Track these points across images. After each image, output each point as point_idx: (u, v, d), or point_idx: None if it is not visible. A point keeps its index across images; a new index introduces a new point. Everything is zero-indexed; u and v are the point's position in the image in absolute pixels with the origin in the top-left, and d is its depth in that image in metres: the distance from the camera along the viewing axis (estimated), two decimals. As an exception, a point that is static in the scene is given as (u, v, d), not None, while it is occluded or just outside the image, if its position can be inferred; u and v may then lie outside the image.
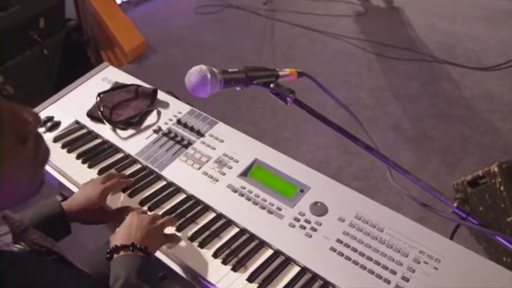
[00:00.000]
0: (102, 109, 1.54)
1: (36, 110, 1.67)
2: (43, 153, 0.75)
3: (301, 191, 1.25)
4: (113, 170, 1.37)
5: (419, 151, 2.84)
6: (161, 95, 1.60)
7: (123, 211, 1.22)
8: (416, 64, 3.62)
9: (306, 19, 4.22)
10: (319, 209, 1.21)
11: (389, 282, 1.04)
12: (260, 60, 3.62)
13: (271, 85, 1.04)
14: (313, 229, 1.16)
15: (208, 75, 0.99)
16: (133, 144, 1.45)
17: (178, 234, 1.19)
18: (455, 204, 0.95)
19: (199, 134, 1.43)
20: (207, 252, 1.15)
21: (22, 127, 0.69)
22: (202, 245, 1.16)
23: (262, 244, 1.16)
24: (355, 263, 1.09)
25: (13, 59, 3.87)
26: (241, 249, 1.15)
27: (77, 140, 1.50)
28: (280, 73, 1.08)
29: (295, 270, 1.11)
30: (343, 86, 3.35)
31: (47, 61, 4.19)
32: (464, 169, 2.65)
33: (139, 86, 1.61)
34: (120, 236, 1.07)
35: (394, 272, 1.06)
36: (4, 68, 3.76)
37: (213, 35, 4.00)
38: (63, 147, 1.48)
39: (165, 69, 3.55)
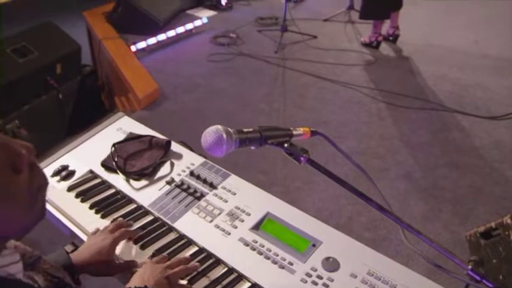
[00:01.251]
0: (116, 159, 1.56)
1: (52, 158, 1.72)
2: (39, 181, 0.77)
3: (313, 245, 1.25)
4: (120, 219, 1.38)
5: (430, 201, 2.82)
6: (174, 146, 1.62)
7: (133, 264, 1.22)
8: (426, 113, 3.64)
9: (317, 68, 4.29)
10: (332, 264, 1.20)
11: None
12: (271, 109, 3.67)
13: (285, 145, 1.06)
14: (325, 285, 1.15)
15: (224, 136, 1.01)
16: (146, 195, 1.46)
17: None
18: (469, 267, 0.94)
19: (212, 186, 1.45)
20: (218, 307, 1.14)
21: (15, 159, 0.72)
22: (213, 299, 1.16)
23: (273, 300, 1.15)
24: (368, 322, 1.07)
25: (29, 103, 3.97)
26: (252, 304, 1.14)
27: (90, 190, 1.52)
28: (294, 132, 1.10)
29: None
30: (354, 135, 3.37)
31: (62, 106, 4.29)
32: (477, 219, 2.63)
33: (153, 137, 1.63)
34: (134, 281, 1.09)
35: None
36: (20, 112, 3.85)
37: (225, 83, 4.08)
38: (77, 196, 1.49)
39: (178, 115, 3.61)
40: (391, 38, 4.84)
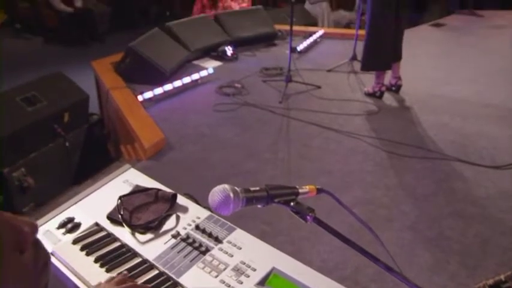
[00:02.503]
0: (122, 212, 1.57)
1: (58, 210, 1.73)
2: (43, 259, 0.76)
3: (319, 302, 1.24)
4: (125, 272, 1.37)
5: (437, 252, 2.79)
6: (180, 199, 1.63)
7: None
8: (430, 162, 3.65)
9: (321, 117, 4.34)
10: (337, 321, 1.19)
11: None
12: (276, 158, 3.69)
13: (292, 203, 1.08)
14: None
15: (231, 195, 1.03)
16: (151, 248, 1.46)
17: None
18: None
19: (217, 240, 1.45)
20: None
21: (19, 238, 0.71)
22: None
23: None
24: None
25: (36, 151, 4.01)
26: None
27: (96, 243, 1.52)
28: (300, 191, 1.12)
29: None
30: (358, 185, 3.37)
31: (68, 154, 4.33)
32: (485, 271, 2.59)
33: (159, 190, 1.65)
34: None
35: None
36: (26, 160, 3.89)
37: (231, 132, 4.12)
38: (82, 249, 1.49)
39: (183, 165, 3.63)
40: (393, 88, 4.93)
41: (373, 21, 4.52)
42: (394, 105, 4.69)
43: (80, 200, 1.73)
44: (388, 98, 4.82)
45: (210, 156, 3.74)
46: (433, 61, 6.07)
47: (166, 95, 4.77)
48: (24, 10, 10.03)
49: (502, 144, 3.89)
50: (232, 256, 1.39)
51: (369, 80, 5.10)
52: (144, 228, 1.52)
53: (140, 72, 4.92)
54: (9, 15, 10.55)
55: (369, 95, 4.86)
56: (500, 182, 3.41)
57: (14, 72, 7.67)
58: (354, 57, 5.63)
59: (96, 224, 1.60)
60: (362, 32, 5.68)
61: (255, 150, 3.82)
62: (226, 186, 1.05)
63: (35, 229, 0.74)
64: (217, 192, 1.05)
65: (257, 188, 1.07)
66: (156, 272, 1.40)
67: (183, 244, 1.45)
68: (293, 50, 5.27)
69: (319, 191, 1.17)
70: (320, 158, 3.73)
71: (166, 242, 1.47)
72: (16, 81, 4.51)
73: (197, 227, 1.50)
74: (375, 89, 4.83)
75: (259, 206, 1.09)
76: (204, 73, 5.15)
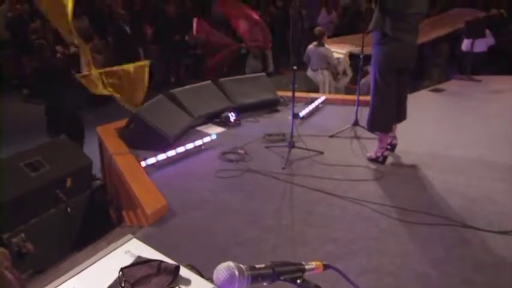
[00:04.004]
0: (123, 285, 1.53)
1: (59, 280, 1.68)
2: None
3: None
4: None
5: (448, 324, 2.69)
6: (183, 271, 1.59)
7: None
8: (438, 228, 3.59)
9: (325, 183, 4.32)
10: None
11: None
12: (279, 225, 3.63)
13: (298, 281, 1.05)
14: None
15: (236, 273, 1.01)
16: (152, 324, 1.41)
17: None
18: None
19: (221, 315, 1.39)
20: None
21: None
22: None
23: None
24: None
25: (37, 216, 3.98)
26: None
27: (95, 318, 1.47)
28: (307, 267, 1.09)
29: None
30: (364, 252, 3.30)
31: (70, 219, 4.30)
32: None
33: (161, 261, 1.61)
34: None
35: None
36: (27, 226, 3.86)
37: (234, 199, 4.08)
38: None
39: (185, 232, 3.57)
40: (389, 147, 4.97)
41: (376, 84, 4.63)
42: (398, 170, 4.68)
43: (80, 271, 1.69)
44: (392, 163, 4.83)
45: (212, 223, 3.69)
46: (435, 125, 6.11)
47: (170, 160, 4.77)
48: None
49: (508, 208, 3.84)
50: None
51: (372, 145, 5.12)
52: (145, 302, 1.48)
53: (144, 138, 4.96)
54: (17, 81, 10.82)
55: (372, 160, 4.87)
56: (510, 247, 3.33)
57: (21, 136, 7.78)
58: (356, 123, 5.68)
59: (96, 297, 1.55)
60: (363, 97, 5.79)
61: (258, 217, 3.78)
62: (231, 264, 1.03)
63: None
64: (223, 270, 1.02)
65: (262, 266, 1.05)
66: None
67: (185, 320, 1.40)
68: (295, 116, 5.32)
69: (326, 267, 1.14)
70: (324, 225, 3.67)
71: (168, 317, 1.42)
72: (23, 146, 4.56)
73: (200, 301, 1.46)
74: (378, 154, 4.84)
75: (264, 283, 1.06)
76: (207, 139, 5.18)
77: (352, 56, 8.54)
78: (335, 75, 8.15)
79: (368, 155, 4.96)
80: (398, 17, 4.40)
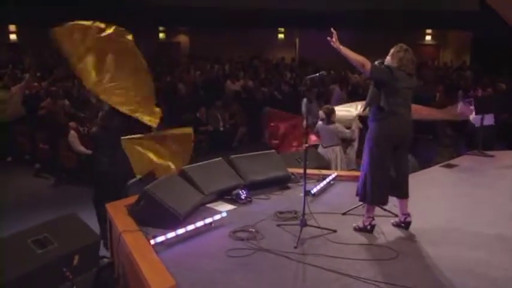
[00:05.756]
0: None
1: None
2: None
3: None
4: None
5: None
6: None
7: None
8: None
9: (338, 263, 4.19)
10: None
11: None
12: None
13: None
14: None
15: None
16: None
17: None
18: None
19: None
20: None
21: None
22: None
23: None
24: None
25: (42, 296, 3.87)
26: None
27: None
28: None
29: None
30: None
31: (75, 297, 4.16)
32: None
33: None
34: None
35: None
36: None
37: (244, 279, 3.95)
38: None
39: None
40: (403, 225, 4.96)
41: (371, 157, 4.75)
42: (413, 249, 4.55)
43: None
44: (406, 241, 4.71)
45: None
46: (449, 202, 6.01)
47: (179, 238, 4.68)
48: (45, 151, 10.48)
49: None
50: None
51: (385, 223, 5.04)
52: None
53: (154, 215, 4.90)
54: (30, 155, 11.02)
55: (359, 229, 4.92)
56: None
57: (32, 211, 7.82)
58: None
59: None
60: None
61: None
62: None
63: None
64: None
65: None
66: None
67: None
68: (307, 193, 5.27)
69: None
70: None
71: None
72: (33, 220, 4.55)
73: None
74: (365, 224, 4.89)
75: None
76: (217, 217, 5.11)
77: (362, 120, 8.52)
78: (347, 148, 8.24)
79: (354, 225, 4.98)
80: (393, 91, 4.63)
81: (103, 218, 6.03)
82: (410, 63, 4.75)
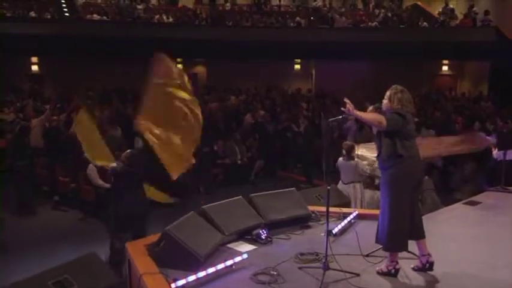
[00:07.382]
0: None
1: None
2: None
3: None
4: None
5: None
6: None
7: None
8: None
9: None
10: None
11: None
12: None
13: None
14: None
15: None
16: None
17: None
18: None
19: None
20: None
21: None
22: None
23: None
24: None
25: None
26: None
27: None
28: None
29: None
30: None
31: None
32: None
33: None
34: None
35: None
36: None
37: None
38: None
39: None
40: (427, 265, 4.85)
41: (392, 205, 4.70)
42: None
43: None
44: (432, 285, 4.60)
45: None
46: (474, 243, 5.85)
47: (200, 281, 4.61)
48: (64, 184, 10.51)
49: None
50: None
51: (408, 264, 4.92)
52: None
53: (175, 256, 4.85)
54: (49, 188, 11.05)
55: (383, 274, 4.81)
56: None
57: (51, 245, 7.81)
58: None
59: None
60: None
61: None
62: None
63: None
64: None
65: None
66: None
67: None
68: (328, 232, 5.18)
69: None
70: None
71: None
72: (54, 255, 4.52)
73: None
74: (389, 268, 4.81)
75: None
76: (238, 258, 5.03)
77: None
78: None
79: (378, 269, 4.89)
80: (406, 135, 4.66)
81: (116, 251, 6.06)
82: (409, 102, 4.78)
